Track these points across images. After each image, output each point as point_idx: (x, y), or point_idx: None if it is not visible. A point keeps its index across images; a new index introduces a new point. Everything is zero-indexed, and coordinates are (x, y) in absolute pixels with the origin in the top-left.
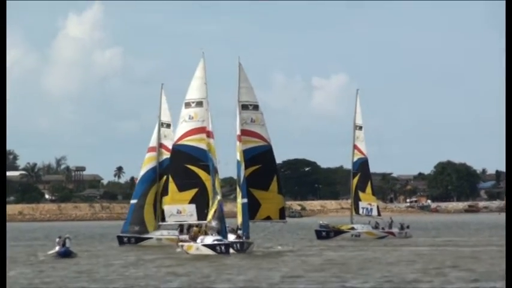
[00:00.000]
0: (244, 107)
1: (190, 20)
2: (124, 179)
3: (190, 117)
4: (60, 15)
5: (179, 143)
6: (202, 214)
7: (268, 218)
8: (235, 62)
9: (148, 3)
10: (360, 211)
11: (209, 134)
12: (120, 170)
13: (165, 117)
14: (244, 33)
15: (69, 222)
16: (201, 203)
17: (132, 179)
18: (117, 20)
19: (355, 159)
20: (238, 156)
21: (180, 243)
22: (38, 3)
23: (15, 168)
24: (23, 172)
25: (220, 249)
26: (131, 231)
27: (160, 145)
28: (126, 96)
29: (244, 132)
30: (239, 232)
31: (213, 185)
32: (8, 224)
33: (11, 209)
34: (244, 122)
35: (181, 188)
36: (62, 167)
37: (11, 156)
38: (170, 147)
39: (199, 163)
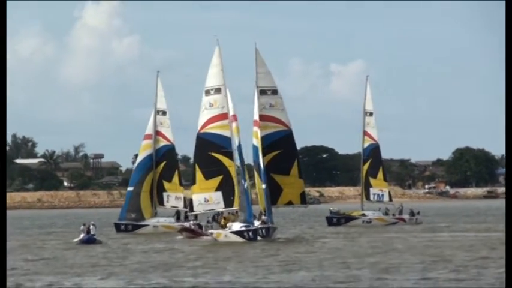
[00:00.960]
0: (262, 92)
1: (207, 8)
2: None
3: (211, 105)
4: (78, 4)
5: (202, 131)
6: (228, 201)
7: (289, 203)
8: (253, 49)
9: None
10: (371, 197)
11: (234, 118)
12: (137, 157)
13: (161, 105)
14: (261, 20)
15: (88, 209)
16: (227, 190)
17: None
18: (134, 8)
19: (366, 145)
20: (255, 141)
21: (210, 231)
22: None
23: (34, 156)
24: (42, 160)
25: (248, 235)
26: (128, 218)
27: (157, 132)
28: (143, 84)
29: (262, 118)
30: (264, 218)
31: (240, 170)
32: (27, 211)
33: (30, 196)
34: (262, 107)
35: (207, 176)
36: (80, 154)
37: (30, 144)
38: (166, 134)
39: (222, 150)
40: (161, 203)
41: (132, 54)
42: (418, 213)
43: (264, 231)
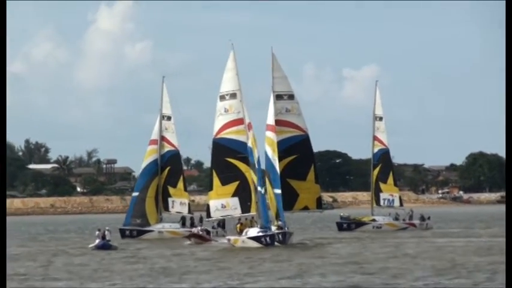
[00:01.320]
0: (278, 97)
1: (220, 12)
2: None
3: (226, 110)
4: (91, 8)
5: (218, 136)
6: (245, 207)
7: (305, 208)
8: (266, 54)
9: None
10: (381, 202)
11: (248, 126)
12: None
13: (166, 110)
14: (274, 25)
15: (101, 214)
16: (244, 195)
17: None
18: (148, 12)
19: (376, 150)
20: (267, 147)
21: (227, 237)
22: None
23: (47, 161)
24: (55, 165)
25: (266, 241)
26: (133, 223)
27: (162, 138)
28: (157, 88)
29: (279, 123)
30: (279, 223)
31: (258, 178)
32: (40, 217)
33: (43, 201)
34: (278, 112)
35: (224, 181)
36: (93, 159)
37: (43, 149)
38: (171, 139)
39: (238, 155)
40: (166, 208)
41: (145, 58)
42: (429, 218)
43: (280, 236)
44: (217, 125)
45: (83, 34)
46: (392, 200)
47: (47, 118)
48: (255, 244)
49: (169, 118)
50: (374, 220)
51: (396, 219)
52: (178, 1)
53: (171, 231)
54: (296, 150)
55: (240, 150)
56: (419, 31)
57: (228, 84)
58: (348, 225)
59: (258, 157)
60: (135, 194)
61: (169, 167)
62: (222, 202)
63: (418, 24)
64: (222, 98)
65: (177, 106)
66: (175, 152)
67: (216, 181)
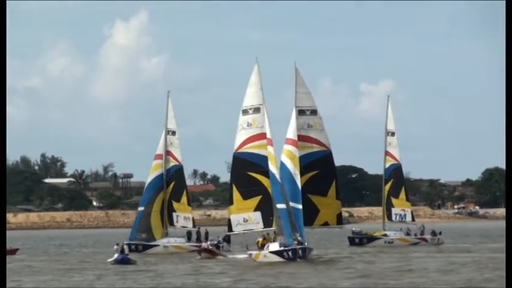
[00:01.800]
0: (301, 112)
1: (235, 27)
2: None
3: (249, 124)
4: (107, 22)
5: (239, 150)
6: (267, 221)
7: (326, 224)
8: (283, 68)
9: (193, 11)
10: (393, 217)
11: (269, 142)
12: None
13: (171, 125)
14: (291, 40)
15: (117, 229)
16: (266, 210)
17: None
18: (164, 27)
19: (387, 165)
20: (286, 158)
21: (248, 252)
22: (85, 10)
23: (63, 176)
24: (71, 179)
25: (288, 255)
26: (138, 238)
27: (168, 152)
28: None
29: (300, 138)
30: (299, 238)
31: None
32: (57, 231)
33: (60, 216)
34: (300, 128)
35: (245, 196)
36: (110, 174)
37: (59, 164)
38: (176, 154)
39: (260, 169)
40: (171, 223)
41: (160, 72)
42: (440, 233)
43: (300, 251)
44: (239, 139)
45: (99, 49)
46: (405, 215)
47: (63, 132)
48: (277, 258)
49: (174, 133)
50: (385, 235)
51: (408, 234)
52: (194, 15)
53: (176, 246)
54: (318, 165)
55: (262, 165)
56: (437, 46)
57: (251, 98)
58: (360, 239)
59: (275, 174)
60: (141, 208)
61: (174, 182)
62: (244, 216)
63: (436, 40)
64: (245, 112)
65: (190, 121)
66: (180, 167)
67: (236, 195)
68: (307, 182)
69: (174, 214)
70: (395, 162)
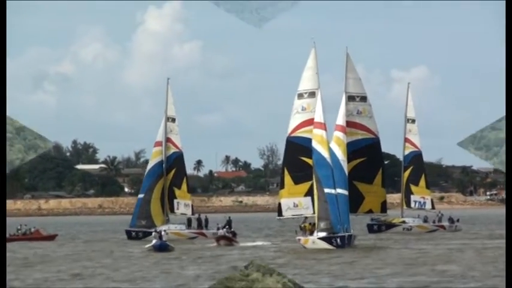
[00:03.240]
0: (350, 98)
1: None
2: (203, 172)
3: (303, 109)
4: (140, 9)
5: (293, 135)
6: None
7: (370, 211)
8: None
9: None
10: (412, 204)
11: (322, 126)
12: (199, 163)
13: (171, 112)
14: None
15: None
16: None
17: (211, 172)
18: (197, 13)
19: (407, 152)
20: (336, 145)
21: (297, 238)
22: None
23: (95, 162)
24: (103, 165)
25: (336, 242)
26: (138, 225)
27: (168, 139)
28: (205, 90)
29: (349, 124)
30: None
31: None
32: (88, 217)
33: (91, 202)
34: (350, 114)
35: (296, 180)
36: (141, 160)
37: (91, 150)
38: (176, 141)
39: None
40: (172, 210)
41: (193, 59)
42: (458, 220)
43: (347, 239)
44: (293, 123)
45: (132, 35)
46: (424, 203)
47: (95, 119)
48: (325, 245)
49: (173, 120)
50: (404, 222)
51: (425, 221)
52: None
53: (175, 233)
54: (365, 152)
55: None
56: (471, 32)
57: (307, 82)
58: (378, 226)
59: (327, 158)
60: (141, 195)
61: (175, 169)
62: (294, 201)
63: (469, 27)
64: (300, 96)
65: (223, 107)
66: (180, 154)
67: (288, 179)
68: (353, 168)
69: (175, 201)
70: (416, 149)
